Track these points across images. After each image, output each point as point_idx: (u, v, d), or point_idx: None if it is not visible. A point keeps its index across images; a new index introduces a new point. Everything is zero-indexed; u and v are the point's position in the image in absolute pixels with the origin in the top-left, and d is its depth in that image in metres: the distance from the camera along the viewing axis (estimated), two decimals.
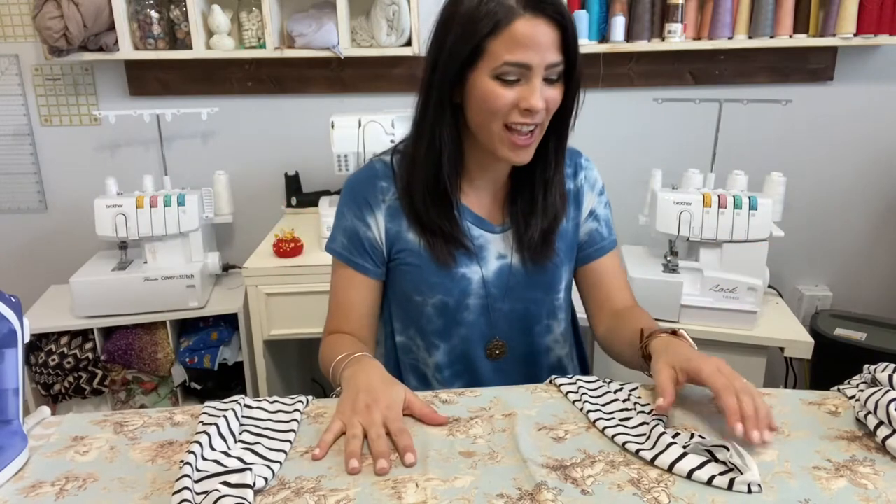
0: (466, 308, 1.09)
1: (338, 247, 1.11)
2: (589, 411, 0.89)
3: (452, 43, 0.96)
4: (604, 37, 2.01)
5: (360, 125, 1.75)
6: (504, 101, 0.95)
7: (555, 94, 0.97)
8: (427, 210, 1.05)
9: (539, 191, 1.08)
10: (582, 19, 1.95)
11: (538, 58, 0.93)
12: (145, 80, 2.12)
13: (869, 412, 0.84)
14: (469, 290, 1.08)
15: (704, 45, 1.98)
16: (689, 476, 0.75)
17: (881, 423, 0.82)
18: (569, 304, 1.20)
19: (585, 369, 1.28)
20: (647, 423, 0.85)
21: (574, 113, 1.03)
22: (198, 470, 0.75)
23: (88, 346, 1.93)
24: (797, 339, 1.65)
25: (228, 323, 2.00)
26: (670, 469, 0.76)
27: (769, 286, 1.83)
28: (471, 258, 1.08)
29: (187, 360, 1.95)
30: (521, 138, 0.98)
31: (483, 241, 1.09)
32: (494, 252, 1.09)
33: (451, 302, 1.08)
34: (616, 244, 1.18)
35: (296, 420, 0.88)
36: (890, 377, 0.87)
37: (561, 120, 1.03)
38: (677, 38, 1.95)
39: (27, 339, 0.83)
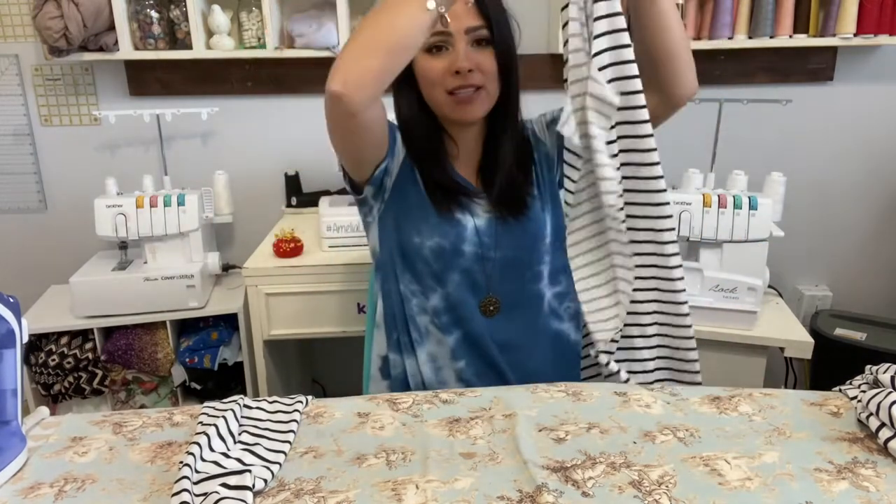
0: (461, 254, 1.14)
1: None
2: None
3: None
4: None
5: None
6: (437, 70, 1.08)
7: (484, 57, 1.09)
8: (425, 164, 1.16)
9: (498, 152, 1.18)
10: None
11: (455, 24, 1.05)
12: (145, 80, 2.12)
13: (871, 414, 0.84)
14: (464, 235, 1.15)
15: (704, 45, 1.98)
16: None
17: (883, 424, 0.82)
18: (557, 248, 1.21)
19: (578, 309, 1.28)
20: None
21: (514, 73, 1.12)
22: (197, 471, 0.75)
23: (88, 346, 1.93)
24: (797, 339, 1.64)
25: (228, 323, 2.00)
26: None
27: (769, 286, 1.82)
28: (464, 207, 1.16)
29: (187, 360, 1.95)
30: (462, 95, 1.09)
31: (469, 200, 1.18)
32: (483, 207, 1.17)
33: (447, 245, 1.14)
34: None
35: (295, 420, 0.88)
36: (892, 378, 0.87)
37: (504, 80, 1.12)
38: None
39: (26, 340, 0.83)
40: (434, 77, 1.09)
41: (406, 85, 1.14)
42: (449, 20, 1.00)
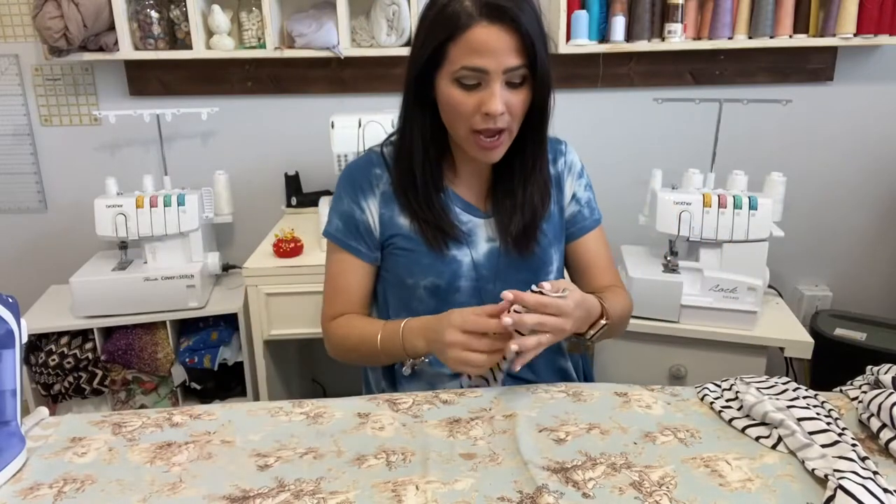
0: (458, 290, 1.12)
1: (333, 230, 1.16)
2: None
3: (419, 45, 1.02)
4: (604, 37, 2.01)
5: (360, 125, 1.75)
6: (465, 106, 0.99)
7: (518, 98, 1.00)
8: (416, 198, 1.10)
9: (518, 188, 1.12)
10: (582, 19, 1.95)
11: (494, 63, 0.95)
12: (145, 80, 2.12)
13: (872, 414, 0.84)
14: (460, 272, 1.11)
15: (704, 45, 1.98)
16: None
17: (884, 425, 0.82)
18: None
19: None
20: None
21: (548, 114, 1.06)
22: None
23: (88, 346, 1.92)
24: (797, 339, 1.64)
25: (228, 323, 2.00)
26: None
27: (769, 286, 1.82)
28: (461, 242, 1.11)
29: (187, 360, 1.95)
30: (487, 141, 1.01)
31: (472, 225, 1.13)
32: (483, 236, 1.13)
33: (443, 284, 1.11)
34: (599, 223, 1.23)
35: None
36: (893, 379, 0.87)
37: (536, 121, 1.06)
38: (677, 38, 1.95)
39: (25, 340, 0.83)
40: (462, 112, 1.00)
41: (420, 108, 1.06)
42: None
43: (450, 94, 1.00)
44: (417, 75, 1.02)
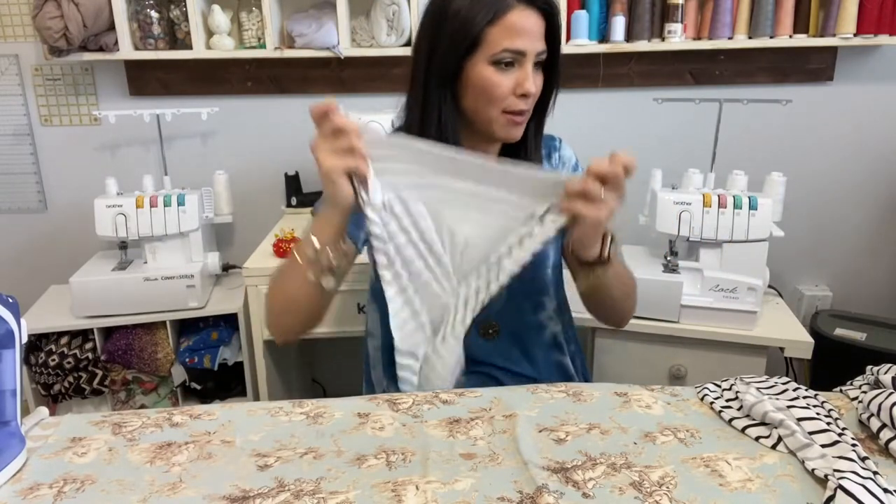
0: None
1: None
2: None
3: (451, 34, 1.02)
4: (604, 37, 2.01)
5: None
6: (502, 88, 1.02)
7: (540, 80, 1.06)
8: None
9: None
10: (582, 19, 1.95)
11: (531, 45, 1.01)
12: (145, 80, 2.12)
13: (872, 414, 0.84)
14: None
15: (704, 45, 1.98)
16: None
17: (884, 425, 0.82)
18: (559, 282, 1.23)
19: (579, 348, 1.30)
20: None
21: (553, 99, 1.11)
22: None
23: (88, 346, 1.92)
24: (797, 339, 1.64)
25: (228, 323, 2.00)
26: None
27: (769, 286, 1.82)
28: None
29: (187, 360, 1.95)
30: (517, 117, 1.05)
31: None
32: None
33: None
34: None
35: None
36: (893, 379, 0.87)
37: (540, 107, 1.10)
38: (677, 38, 1.95)
39: (25, 340, 0.83)
40: (498, 94, 1.02)
41: (440, 93, 1.04)
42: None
43: (487, 77, 1.02)
44: (450, 64, 1.02)
